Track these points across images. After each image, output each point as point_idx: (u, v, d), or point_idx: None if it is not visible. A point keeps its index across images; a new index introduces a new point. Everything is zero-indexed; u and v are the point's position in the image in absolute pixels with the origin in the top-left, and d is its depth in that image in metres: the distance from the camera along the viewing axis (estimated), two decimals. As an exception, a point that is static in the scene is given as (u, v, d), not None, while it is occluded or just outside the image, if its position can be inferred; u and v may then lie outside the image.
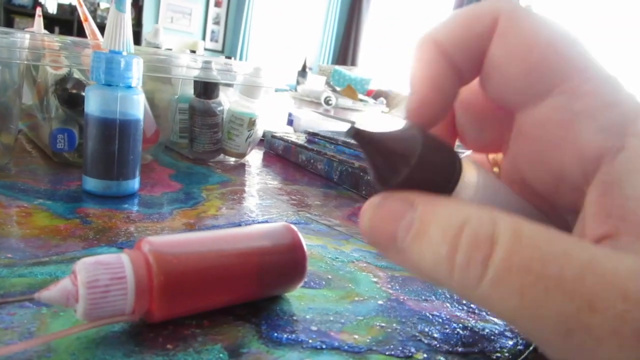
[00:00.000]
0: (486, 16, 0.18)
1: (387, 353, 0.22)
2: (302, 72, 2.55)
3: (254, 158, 0.65)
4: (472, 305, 0.29)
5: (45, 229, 0.31)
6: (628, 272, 0.13)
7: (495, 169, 0.22)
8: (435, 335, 0.25)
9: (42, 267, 0.25)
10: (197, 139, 0.57)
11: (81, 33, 0.50)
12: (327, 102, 1.81)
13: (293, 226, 0.26)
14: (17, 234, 0.30)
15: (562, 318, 0.13)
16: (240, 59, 5.34)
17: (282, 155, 0.67)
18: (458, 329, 0.26)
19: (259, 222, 0.39)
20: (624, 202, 0.15)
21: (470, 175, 0.17)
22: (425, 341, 0.24)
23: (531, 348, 0.25)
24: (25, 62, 0.42)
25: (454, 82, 0.19)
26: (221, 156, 0.60)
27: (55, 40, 0.44)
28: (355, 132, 0.16)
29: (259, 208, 0.43)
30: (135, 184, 0.41)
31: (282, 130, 0.80)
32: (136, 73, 0.39)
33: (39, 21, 0.57)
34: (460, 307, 0.28)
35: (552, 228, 0.14)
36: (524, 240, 0.14)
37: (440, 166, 0.17)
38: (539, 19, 0.17)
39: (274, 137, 0.68)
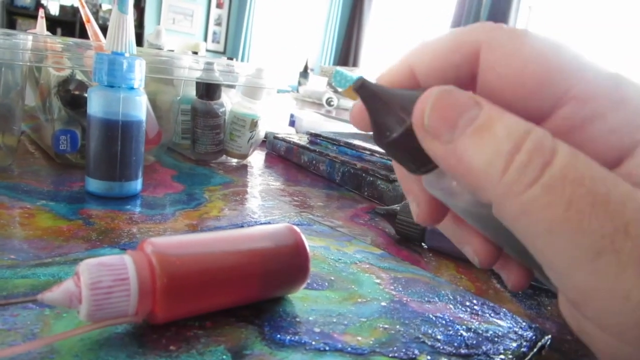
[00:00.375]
0: (465, 47, 0.18)
1: (390, 355, 0.22)
2: (304, 73, 2.55)
3: (256, 159, 0.65)
4: (475, 307, 0.28)
5: (48, 230, 0.31)
6: None
7: None
8: (439, 337, 0.24)
9: (45, 269, 0.25)
10: (199, 140, 0.57)
11: (83, 34, 0.50)
12: (329, 103, 1.81)
13: (296, 227, 0.26)
14: (20, 235, 0.30)
15: (598, 236, 0.14)
16: (242, 60, 5.35)
17: (284, 157, 0.67)
18: (461, 331, 0.25)
19: (261, 224, 0.39)
20: None
21: None
22: (429, 343, 0.24)
23: (535, 350, 0.25)
24: (28, 64, 0.42)
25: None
26: (223, 157, 0.60)
27: (57, 42, 0.44)
28: (361, 84, 0.17)
29: (261, 209, 0.43)
30: (137, 185, 0.41)
31: (284, 131, 0.80)
32: (138, 74, 0.39)
33: (41, 23, 0.58)
34: (464, 309, 0.28)
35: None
36: (580, 158, 0.14)
37: None
38: (521, 39, 0.17)
39: (276, 138, 0.68)
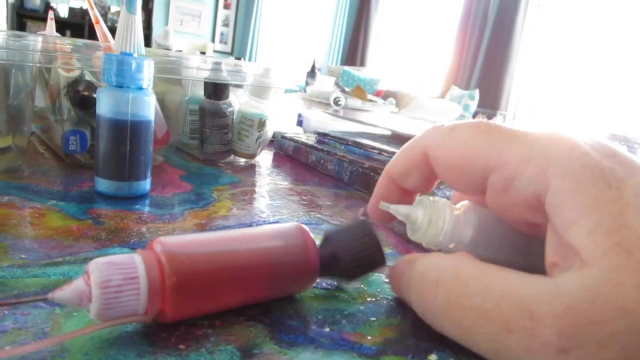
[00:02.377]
0: (417, 152, 0.26)
1: (400, 354, 0.22)
2: (311, 73, 2.55)
3: (264, 159, 0.65)
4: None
5: (58, 229, 0.32)
6: (536, 295, 0.17)
7: None
8: (449, 336, 0.24)
9: (56, 268, 0.26)
10: (207, 140, 0.57)
11: (92, 36, 0.51)
12: (336, 102, 1.81)
13: (305, 226, 0.26)
14: (30, 235, 0.30)
15: (490, 341, 0.17)
16: (250, 60, 5.36)
17: (292, 156, 0.67)
18: (472, 330, 0.25)
19: (270, 223, 0.39)
20: (560, 237, 0.19)
21: (470, 216, 0.24)
22: (439, 342, 0.23)
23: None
24: (38, 65, 0.43)
25: (398, 197, 0.28)
26: (231, 157, 0.60)
27: (67, 43, 0.44)
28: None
29: (269, 209, 0.43)
30: (146, 184, 0.41)
31: (292, 130, 0.80)
32: (147, 74, 0.39)
33: (51, 24, 0.58)
34: (474, 308, 0.28)
35: (490, 265, 0.20)
36: (459, 279, 0.19)
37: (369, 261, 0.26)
38: (449, 134, 0.24)
39: (284, 137, 0.68)
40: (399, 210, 0.25)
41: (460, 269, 0.19)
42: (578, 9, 3.60)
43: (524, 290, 0.17)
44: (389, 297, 0.28)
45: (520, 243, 0.25)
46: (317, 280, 0.26)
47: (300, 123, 0.94)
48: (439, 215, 0.24)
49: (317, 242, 0.26)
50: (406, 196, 0.28)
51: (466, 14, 4.31)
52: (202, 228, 0.36)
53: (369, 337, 0.23)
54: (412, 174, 0.26)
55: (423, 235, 0.24)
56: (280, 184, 0.52)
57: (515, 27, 3.95)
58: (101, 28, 0.49)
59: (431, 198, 0.24)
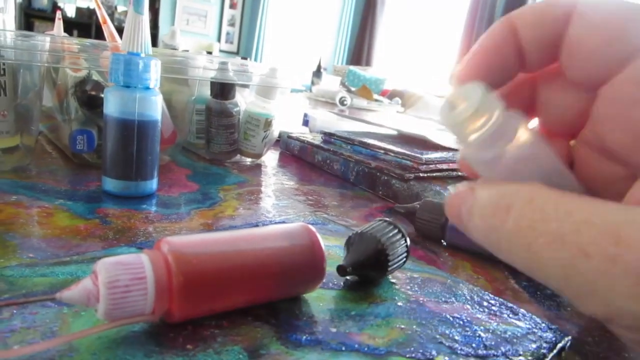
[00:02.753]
0: (559, 8, 0.19)
1: (407, 355, 0.22)
2: (317, 73, 2.55)
3: (270, 158, 0.65)
4: (493, 308, 0.28)
5: (66, 229, 0.32)
6: (625, 222, 0.16)
7: (572, 142, 0.23)
8: (457, 337, 0.24)
9: (64, 267, 0.26)
10: (213, 140, 0.57)
11: (99, 36, 0.51)
12: (342, 102, 1.81)
13: (311, 227, 0.26)
14: (38, 234, 0.30)
15: (561, 267, 0.16)
16: (255, 60, 5.37)
17: (298, 156, 0.67)
18: (479, 332, 0.25)
19: (276, 223, 0.39)
20: None
21: (524, 137, 0.19)
22: (447, 344, 0.23)
23: (555, 352, 0.25)
24: (46, 65, 0.43)
25: (513, 64, 0.20)
26: (237, 157, 0.60)
27: (74, 43, 0.44)
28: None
29: (275, 208, 0.43)
30: (153, 184, 0.41)
31: (298, 130, 0.80)
32: (154, 74, 0.39)
33: (59, 24, 0.58)
34: (481, 310, 0.28)
35: (568, 193, 0.17)
36: (534, 204, 0.17)
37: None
38: (614, 2, 0.19)
39: (290, 137, 0.68)
40: (452, 90, 0.19)
41: (535, 195, 0.17)
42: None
43: (612, 216, 0.16)
44: (395, 298, 0.28)
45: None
46: (324, 281, 0.26)
47: (306, 123, 0.94)
48: (494, 107, 0.19)
49: (324, 242, 0.26)
50: (522, 67, 0.21)
51: (472, 13, 4.29)
52: (208, 228, 0.36)
53: (376, 339, 0.23)
54: (545, 29, 0.19)
55: (459, 119, 0.19)
56: (286, 184, 0.52)
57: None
58: (108, 28, 0.49)
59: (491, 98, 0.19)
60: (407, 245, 0.29)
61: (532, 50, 0.20)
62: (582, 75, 0.20)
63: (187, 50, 0.64)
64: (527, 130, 0.19)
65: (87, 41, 0.45)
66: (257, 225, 0.37)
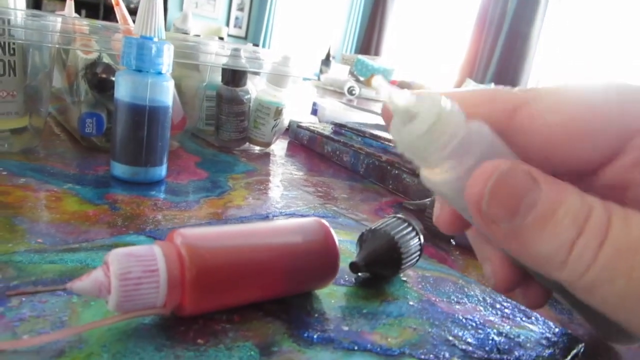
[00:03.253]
0: (499, 108, 0.18)
1: (420, 357, 0.22)
2: (326, 61, 2.53)
3: (279, 147, 0.65)
4: (506, 310, 0.28)
5: (74, 214, 0.31)
6: None
7: None
8: (470, 340, 0.24)
9: (73, 254, 0.25)
10: (223, 127, 0.56)
11: (107, 17, 0.50)
12: (350, 92, 1.80)
13: (325, 222, 0.25)
14: (47, 219, 0.30)
15: None
16: (264, 45, 5.33)
17: (307, 146, 0.66)
18: (493, 335, 0.25)
19: (286, 214, 0.38)
20: None
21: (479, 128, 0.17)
22: (460, 346, 0.23)
23: (568, 358, 0.24)
24: (57, 46, 0.42)
25: None
26: (246, 145, 0.59)
27: (85, 24, 0.43)
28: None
29: (285, 199, 0.42)
30: (162, 170, 0.41)
31: (306, 119, 0.79)
32: (167, 59, 0.38)
33: (70, 5, 0.57)
34: (494, 312, 0.27)
35: None
36: (634, 225, 0.14)
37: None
38: (570, 86, 0.17)
39: (299, 127, 0.68)
40: (393, 96, 0.16)
41: (630, 213, 0.14)
42: (600, 1, 3.53)
43: None
44: (407, 297, 0.27)
45: None
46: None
47: (314, 112, 0.93)
48: (449, 119, 0.16)
49: (337, 236, 0.25)
50: None
51: (485, 5, 4.24)
52: (217, 217, 0.35)
53: (389, 339, 0.23)
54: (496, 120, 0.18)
55: (415, 135, 0.16)
56: (295, 174, 0.52)
57: (535, 19, 3.89)
58: (121, 10, 0.49)
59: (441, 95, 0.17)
60: (420, 244, 0.29)
61: None
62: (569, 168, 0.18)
63: (199, 35, 0.63)
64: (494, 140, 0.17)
65: (99, 23, 0.44)
66: (267, 217, 0.37)
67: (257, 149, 0.60)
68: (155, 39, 0.37)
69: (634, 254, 0.14)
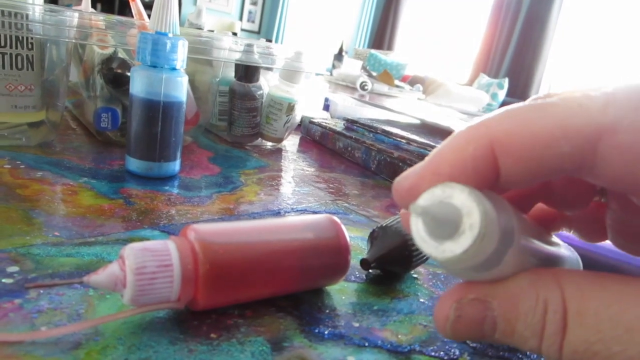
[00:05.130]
0: (478, 148, 0.16)
1: (431, 354, 0.22)
2: (339, 56, 2.53)
3: (290, 143, 0.65)
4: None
5: (90, 208, 0.32)
6: None
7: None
8: (480, 338, 0.24)
9: (89, 248, 0.26)
10: (235, 122, 0.57)
11: (122, 11, 0.50)
12: (362, 87, 1.79)
13: (337, 219, 0.25)
14: (63, 212, 0.30)
15: None
16: (277, 40, 5.33)
17: (318, 141, 0.66)
18: (503, 333, 0.25)
19: (297, 211, 0.38)
20: None
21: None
22: (470, 344, 0.23)
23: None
24: (74, 41, 0.43)
25: (489, 182, 0.16)
26: (258, 140, 0.60)
27: (101, 19, 0.44)
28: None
29: (296, 195, 0.43)
30: (176, 166, 0.41)
31: (318, 115, 0.79)
32: (181, 55, 0.38)
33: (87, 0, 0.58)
34: (505, 310, 0.27)
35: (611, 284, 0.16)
36: (585, 323, 0.15)
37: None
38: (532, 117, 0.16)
39: (311, 122, 0.68)
40: (429, 202, 0.15)
41: (586, 305, 0.15)
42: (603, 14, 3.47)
43: None
44: (418, 294, 0.27)
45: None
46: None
47: (326, 107, 0.93)
48: (491, 217, 0.15)
49: (348, 233, 0.25)
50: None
51: (499, 2, 4.19)
52: (230, 213, 0.36)
53: (399, 335, 0.23)
54: (468, 175, 0.16)
55: (464, 251, 0.14)
56: (307, 170, 0.52)
57: (550, 14, 3.83)
58: (137, 5, 0.49)
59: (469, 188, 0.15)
60: None
61: (517, 179, 0.16)
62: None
63: (213, 31, 0.63)
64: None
65: (115, 18, 0.45)
66: (278, 213, 0.37)
67: (269, 144, 0.61)
68: (170, 35, 0.38)
69: (592, 355, 0.15)
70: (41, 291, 0.21)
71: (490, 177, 0.16)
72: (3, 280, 0.21)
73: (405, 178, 0.17)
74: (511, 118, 0.16)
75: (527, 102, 0.16)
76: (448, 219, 0.15)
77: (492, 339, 0.17)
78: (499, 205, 0.16)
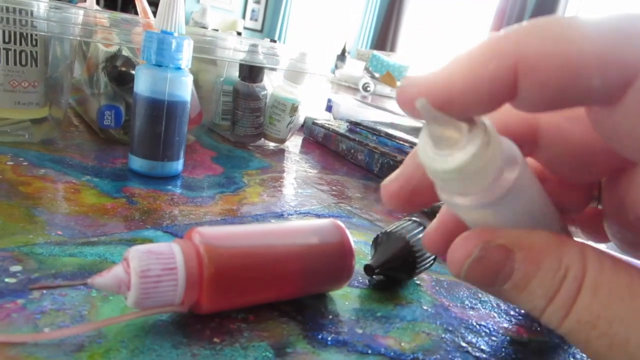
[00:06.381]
0: (500, 69, 0.14)
1: (434, 363, 0.22)
2: (341, 56, 2.52)
3: (293, 144, 0.65)
4: (519, 317, 0.27)
5: (93, 207, 0.32)
6: None
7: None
8: (483, 347, 0.24)
9: (92, 248, 0.26)
10: (239, 122, 0.56)
11: (125, 8, 0.50)
12: (365, 88, 1.79)
13: (341, 224, 0.25)
14: (66, 211, 0.30)
15: None
16: (279, 39, 5.32)
17: (321, 143, 0.66)
18: (506, 342, 0.25)
19: (300, 213, 0.38)
20: None
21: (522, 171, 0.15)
22: (474, 353, 0.23)
23: (583, 368, 0.24)
24: (78, 38, 0.43)
25: (500, 104, 0.15)
26: (261, 140, 0.60)
27: (106, 17, 0.44)
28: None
29: (299, 197, 0.43)
30: (179, 165, 0.41)
31: (320, 115, 0.79)
32: (186, 54, 0.38)
33: (91, -4, 0.58)
34: (508, 319, 0.27)
35: (631, 271, 0.15)
36: (597, 296, 0.15)
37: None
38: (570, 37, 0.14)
39: (314, 124, 0.68)
40: (437, 116, 0.14)
41: (602, 278, 0.15)
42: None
43: None
44: (421, 301, 0.27)
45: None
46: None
47: (329, 108, 0.93)
48: (485, 162, 0.14)
49: (353, 237, 0.25)
50: None
51: (503, 3, 4.19)
52: (232, 214, 0.36)
53: (402, 343, 0.23)
54: (482, 96, 0.14)
55: (459, 164, 0.14)
56: (310, 172, 0.52)
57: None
58: (142, 4, 0.49)
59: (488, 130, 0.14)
60: None
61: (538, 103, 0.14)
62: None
63: (217, 30, 0.63)
64: (523, 162, 0.16)
65: (120, 16, 0.45)
66: (282, 215, 0.37)
67: (271, 145, 0.60)
68: (176, 34, 0.37)
69: (592, 328, 0.15)
70: (44, 292, 0.21)
71: (503, 100, 0.14)
72: (6, 280, 0.21)
73: (413, 84, 0.15)
74: (544, 34, 0.13)
75: (560, 17, 0.14)
76: (452, 125, 0.14)
77: (499, 290, 0.17)
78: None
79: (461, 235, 0.17)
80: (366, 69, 2.22)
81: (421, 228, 0.29)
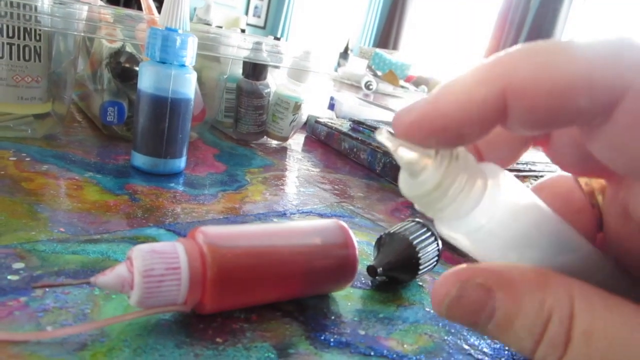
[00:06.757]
0: (489, 96, 0.15)
1: (436, 366, 0.22)
2: (344, 54, 2.52)
3: (296, 142, 0.64)
4: (522, 320, 0.27)
5: (95, 203, 0.32)
6: None
7: (599, 197, 0.21)
8: (486, 350, 0.24)
9: (94, 245, 0.26)
10: (242, 120, 0.56)
11: (128, 4, 0.50)
12: (367, 86, 1.79)
13: (345, 224, 0.25)
14: (68, 207, 0.30)
15: None
16: (282, 35, 5.31)
17: (324, 141, 0.66)
18: (509, 345, 0.25)
19: (303, 212, 0.38)
20: None
21: (509, 194, 0.15)
22: (476, 356, 0.23)
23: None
24: (82, 34, 0.42)
25: (491, 127, 0.15)
26: (264, 138, 0.59)
27: (110, 13, 0.44)
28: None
29: (302, 196, 0.42)
30: (182, 163, 0.41)
31: (322, 113, 0.79)
32: (190, 52, 0.38)
33: (95, -8, 0.58)
34: (511, 321, 0.27)
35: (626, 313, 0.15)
36: (592, 343, 0.14)
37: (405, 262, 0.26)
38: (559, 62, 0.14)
39: (317, 122, 0.67)
40: (402, 153, 0.15)
41: (594, 325, 0.15)
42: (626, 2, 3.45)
43: None
44: (424, 303, 0.27)
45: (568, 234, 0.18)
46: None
47: (332, 107, 0.93)
48: (455, 178, 0.15)
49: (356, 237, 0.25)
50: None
51: (507, 3, 4.18)
52: (235, 212, 0.35)
53: (405, 345, 0.23)
54: (473, 119, 0.15)
55: (428, 186, 0.15)
56: (312, 171, 0.52)
57: (556, 25, 3.82)
58: (147, 0, 0.49)
59: (456, 152, 0.15)
60: (438, 249, 0.29)
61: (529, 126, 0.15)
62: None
63: (221, 27, 0.63)
64: (509, 183, 0.15)
65: (124, 12, 0.45)
66: (284, 214, 0.37)
67: (274, 143, 0.60)
68: (180, 31, 0.37)
69: None
70: (47, 290, 0.21)
71: (493, 123, 0.15)
72: (9, 277, 0.21)
73: (408, 113, 0.15)
74: (532, 60, 0.14)
75: (550, 41, 0.15)
76: (418, 151, 0.15)
77: (485, 329, 0.16)
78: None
79: (443, 273, 0.17)
80: (369, 67, 2.21)
81: (424, 229, 0.29)
